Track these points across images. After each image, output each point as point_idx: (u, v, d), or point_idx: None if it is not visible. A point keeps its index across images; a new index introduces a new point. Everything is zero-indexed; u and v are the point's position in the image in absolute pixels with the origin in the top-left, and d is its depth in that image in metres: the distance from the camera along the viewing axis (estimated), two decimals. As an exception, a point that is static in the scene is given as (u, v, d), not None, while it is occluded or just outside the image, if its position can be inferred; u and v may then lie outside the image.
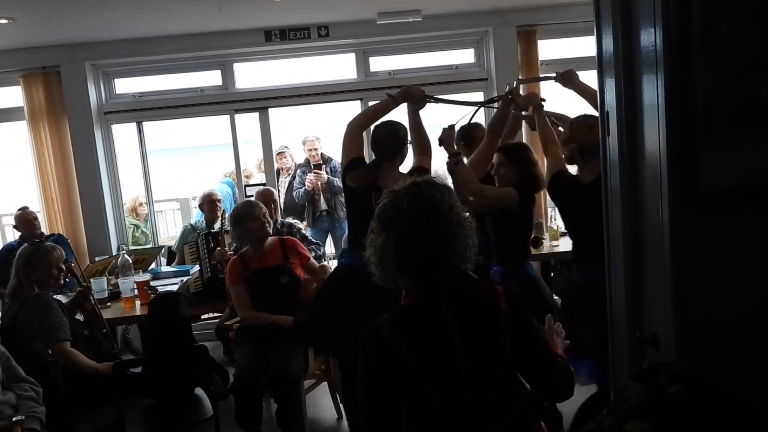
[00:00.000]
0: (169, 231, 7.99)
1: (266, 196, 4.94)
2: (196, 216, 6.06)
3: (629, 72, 1.55)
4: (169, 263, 5.63)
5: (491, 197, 3.56)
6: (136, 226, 6.35)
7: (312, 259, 4.30)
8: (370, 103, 5.81)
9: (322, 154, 6.66)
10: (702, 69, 1.38)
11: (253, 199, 4.62)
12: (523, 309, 1.69)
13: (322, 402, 4.38)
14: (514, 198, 3.45)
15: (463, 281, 1.73)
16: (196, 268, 5.14)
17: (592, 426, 1.09)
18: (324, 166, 6.55)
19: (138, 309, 4.21)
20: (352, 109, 6.16)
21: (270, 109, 5.93)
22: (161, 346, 3.35)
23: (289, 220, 5.50)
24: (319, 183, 6.55)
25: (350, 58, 5.89)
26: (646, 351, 1.56)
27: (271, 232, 4.11)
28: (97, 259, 5.21)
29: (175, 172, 8.83)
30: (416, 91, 3.64)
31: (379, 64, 5.92)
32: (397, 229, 1.68)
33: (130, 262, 4.72)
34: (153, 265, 5.46)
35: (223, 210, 5.19)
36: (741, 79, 1.39)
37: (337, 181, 6.54)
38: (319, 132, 6.70)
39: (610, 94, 1.66)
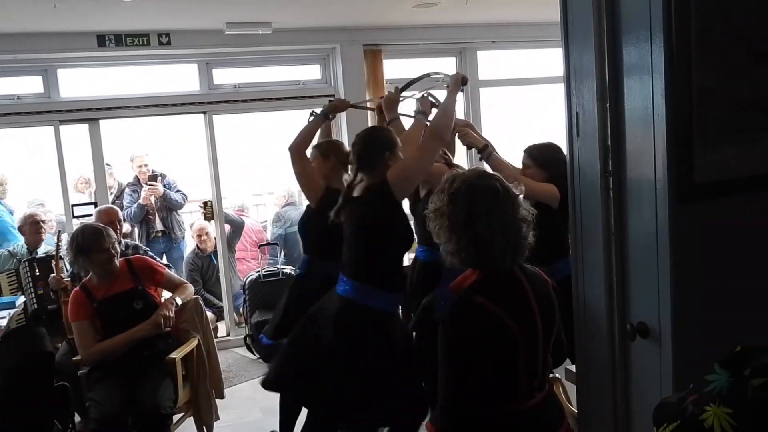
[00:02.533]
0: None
1: (111, 216, 4.45)
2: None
3: (613, 77, 1.65)
4: (-20, 295, 4.84)
5: (534, 192, 3.33)
6: None
7: (168, 270, 3.95)
8: (215, 117, 5.59)
9: (152, 170, 6.22)
10: (697, 73, 1.51)
11: (97, 223, 4.08)
12: (557, 289, 1.87)
13: (187, 436, 4.02)
14: (556, 196, 3.31)
15: None
16: (22, 299, 4.50)
17: (674, 399, 1.12)
18: (159, 178, 6.13)
19: (-40, 350, 3.54)
20: (194, 122, 5.84)
21: (101, 121, 5.38)
22: (16, 390, 2.84)
23: (134, 241, 5.03)
24: (152, 198, 6.10)
25: (192, 68, 5.56)
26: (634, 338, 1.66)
27: (118, 262, 3.68)
28: None
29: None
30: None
31: (224, 76, 5.66)
32: (500, 211, 1.74)
33: (-59, 295, 4.00)
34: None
35: (58, 231, 4.59)
36: (727, 82, 1.55)
37: (173, 195, 6.15)
38: (156, 148, 6.26)
39: (585, 97, 1.75)
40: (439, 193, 1.83)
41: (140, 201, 6.08)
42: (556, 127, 3.71)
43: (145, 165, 6.24)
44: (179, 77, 5.62)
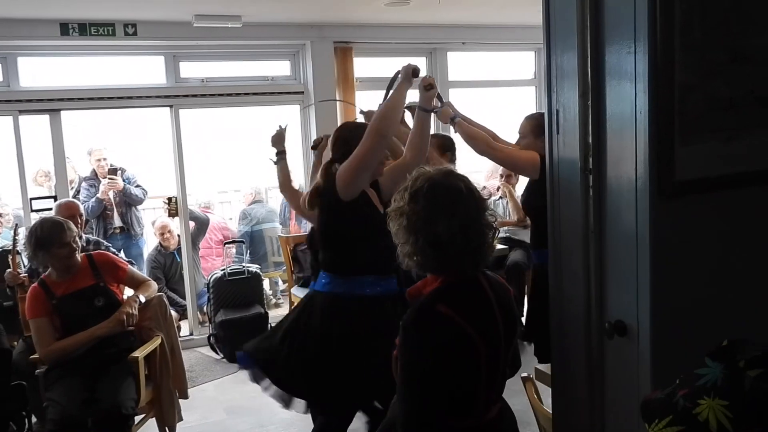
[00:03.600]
0: None
1: (71, 210, 4.31)
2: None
3: (595, 75, 1.65)
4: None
5: (515, 161, 3.33)
6: None
7: (131, 267, 3.85)
8: (181, 111, 5.47)
9: (111, 164, 6.05)
10: (679, 73, 1.52)
11: (57, 216, 3.93)
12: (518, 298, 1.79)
13: (149, 438, 3.92)
14: (537, 164, 3.11)
15: None
16: (-27, 295, 4.33)
17: (662, 396, 1.11)
18: (119, 172, 5.96)
19: None
20: (157, 116, 5.72)
21: (63, 112, 5.21)
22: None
23: (95, 236, 4.89)
24: (111, 193, 5.94)
25: (159, 61, 5.44)
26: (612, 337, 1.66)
27: (79, 257, 3.57)
28: None
29: None
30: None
31: (191, 69, 5.55)
32: (462, 213, 1.66)
33: None
34: None
35: (15, 225, 4.43)
36: (707, 81, 1.57)
37: (133, 190, 6.00)
38: (116, 141, 6.09)
39: (566, 95, 1.75)
40: (401, 191, 1.74)
41: (98, 195, 5.91)
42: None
43: (104, 159, 6.06)
44: (145, 69, 5.48)
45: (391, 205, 1.77)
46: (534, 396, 2.25)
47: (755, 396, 1.01)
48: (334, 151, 2.83)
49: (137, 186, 6.10)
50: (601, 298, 1.74)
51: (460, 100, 6.60)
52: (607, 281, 1.73)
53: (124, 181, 5.99)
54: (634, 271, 1.63)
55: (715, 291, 1.69)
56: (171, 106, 5.43)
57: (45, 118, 5.16)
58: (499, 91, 6.75)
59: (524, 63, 6.75)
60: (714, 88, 1.61)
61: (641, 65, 1.54)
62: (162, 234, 6.04)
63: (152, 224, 6.33)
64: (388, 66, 6.20)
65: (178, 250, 5.98)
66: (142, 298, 3.64)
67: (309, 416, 4.19)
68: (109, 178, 5.90)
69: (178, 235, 5.95)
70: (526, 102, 6.59)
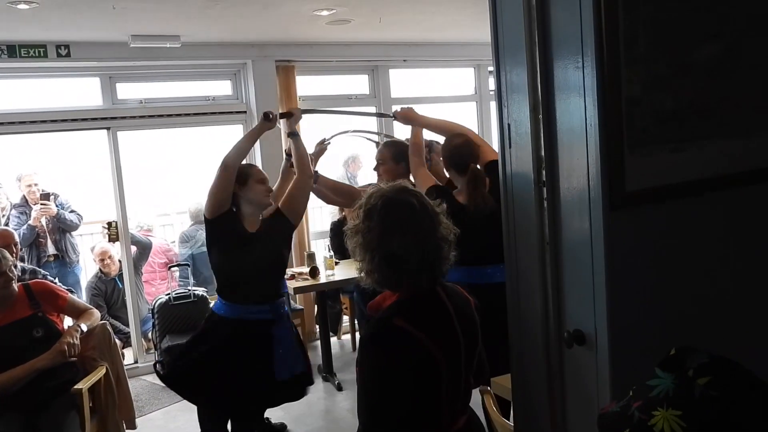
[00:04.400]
0: None
1: (6, 239, 4.13)
2: None
3: (545, 90, 1.69)
4: None
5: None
6: None
7: (71, 295, 3.71)
8: (119, 134, 5.33)
9: (43, 189, 5.81)
10: (625, 86, 1.57)
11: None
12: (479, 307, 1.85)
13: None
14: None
15: None
16: None
17: (616, 409, 1.12)
18: (51, 197, 5.73)
19: None
20: (95, 138, 5.55)
21: (-7, 137, 5.02)
22: None
23: (31, 265, 4.68)
24: (44, 219, 5.69)
25: (94, 82, 5.28)
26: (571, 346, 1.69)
27: (16, 287, 3.43)
28: None
29: None
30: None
31: (129, 91, 5.41)
32: (416, 228, 1.68)
33: None
34: None
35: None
36: (651, 94, 1.62)
37: (67, 215, 5.77)
38: (48, 166, 5.86)
39: (517, 110, 1.78)
40: (357, 209, 1.75)
41: (30, 222, 5.65)
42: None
43: (35, 184, 5.79)
44: (80, 91, 5.31)
45: (348, 224, 1.79)
46: (492, 407, 2.27)
47: (705, 404, 1.02)
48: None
49: (71, 211, 5.86)
50: (558, 308, 1.77)
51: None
52: (564, 291, 1.77)
53: (57, 206, 5.76)
54: (590, 281, 1.67)
55: (669, 298, 1.75)
56: (108, 129, 5.28)
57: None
58: (440, 107, 6.83)
59: (465, 79, 6.87)
60: (659, 100, 1.67)
61: (589, 79, 1.59)
62: (102, 260, 5.83)
63: (91, 250, 6.11)
64: (331, 84, 6.24)
65: (120, 275, 5.79)
66: (84, 327, 3.51)
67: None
68: (42, 204, 5.65)
69: (120, 261, 5.77)
70: (468, 117, 6.71)
